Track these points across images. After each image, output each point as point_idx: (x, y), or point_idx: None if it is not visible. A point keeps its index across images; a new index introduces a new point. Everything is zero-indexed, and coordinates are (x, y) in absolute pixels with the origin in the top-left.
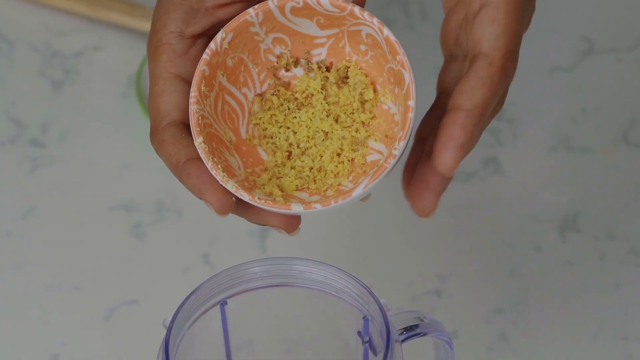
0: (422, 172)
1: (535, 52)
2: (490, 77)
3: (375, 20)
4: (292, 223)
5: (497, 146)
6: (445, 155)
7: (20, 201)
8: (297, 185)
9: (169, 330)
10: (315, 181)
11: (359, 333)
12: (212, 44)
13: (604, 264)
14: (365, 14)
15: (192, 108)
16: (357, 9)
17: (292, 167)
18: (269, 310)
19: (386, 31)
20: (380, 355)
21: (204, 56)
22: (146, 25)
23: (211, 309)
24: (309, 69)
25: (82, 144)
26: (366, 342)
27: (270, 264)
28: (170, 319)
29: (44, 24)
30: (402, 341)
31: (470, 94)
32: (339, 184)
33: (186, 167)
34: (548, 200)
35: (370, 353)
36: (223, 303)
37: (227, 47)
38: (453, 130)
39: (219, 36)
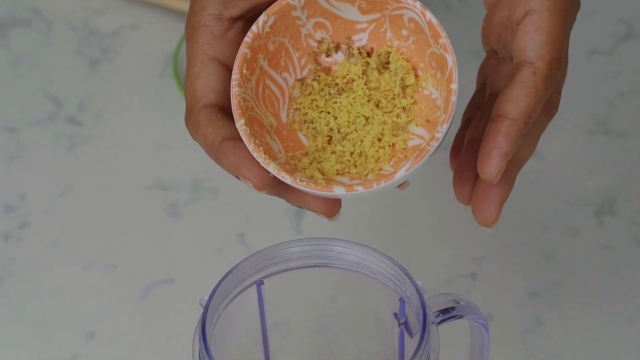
0: (479, 183)
1: (573, 36)
2: (534, 86)
3: (417, 4)
4: (332, 208)
5: None
6: (489, 163)
7: (58, 179)
8: (337, 170)
9: (206, 309)
10: (355, 166)
11: (395, 315)
12: (254, 27)
13: None
14: None
15: (234, 90)
16: None
17: (333, 152)
18: (305, 291)
19: (429, 15)
20: (417, 337)
21: (246, 39)
22: (183, 5)
23: (247, 289)
24: (350, 55)
25: (119, 122)
26: (402, 323)
27: (307, 245)
28: (207, 297)
29: (81, 3)
30: (439, 323)
31: (514, 103)
32: (380, 169)
33: (222, 146)
34: (585, 185)
35: (406, 335)
36: (259, 283)
37: (268, 30)
38: (497, 139)
39: (260, 19)
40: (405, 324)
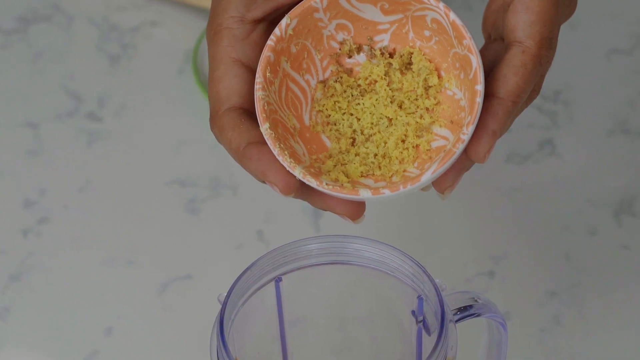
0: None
1: (593, 35)
2: (523, 65)
3: (441, 5)
4: (357, 211)
5: (553, 128)
6: (477, 142)
7: (77, 175)
8: (362, 172)
9: (224, 305)
10: (380, 167)
11: (413, 312)
12: (277, 30)
13: None
14: None
15: (258, 94)
16: None
17: (357, 154)
18: (323, 288)
19: (452, 15)
20: (435, 335)
21: (269, 42)
22: (203, 2)
23: (266, 285)
24: (372, 56)
25: (139, 118)
26: (420, 321)
27: (325, 242)
28: (225, 294)
29: None
30: (457, 321)
31: (502, 82)
32: (404, 170)
33: (247, 151)
34: (604, 184)
35: (423, 332)
36: (278, 280)
37: (291, 33)
38: (485, 118)
39: (283, 22)
40: (423, 321)
